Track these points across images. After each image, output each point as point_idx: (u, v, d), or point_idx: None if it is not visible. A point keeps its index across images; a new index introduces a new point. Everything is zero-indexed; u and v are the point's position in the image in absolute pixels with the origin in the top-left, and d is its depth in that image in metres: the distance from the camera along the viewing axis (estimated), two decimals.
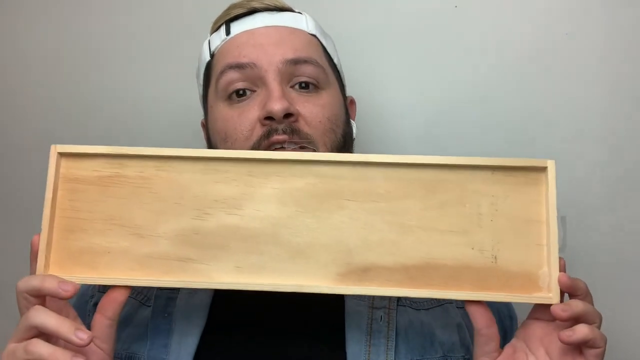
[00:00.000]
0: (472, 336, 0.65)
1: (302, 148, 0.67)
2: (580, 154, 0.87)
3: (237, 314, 0.67)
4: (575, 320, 0.54)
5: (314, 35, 0.74)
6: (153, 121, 0.98)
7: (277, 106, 0.65)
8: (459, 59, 0.90)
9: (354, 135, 0.76)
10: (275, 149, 0.66)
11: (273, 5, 0.74)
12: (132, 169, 0.60)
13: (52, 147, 0.60)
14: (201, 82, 0.77)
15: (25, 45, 1.01)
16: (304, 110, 0.68)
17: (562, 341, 0.53)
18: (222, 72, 0.70)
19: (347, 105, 0.77)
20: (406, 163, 0.59)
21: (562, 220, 0.58)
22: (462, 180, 0.59)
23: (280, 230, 0.59)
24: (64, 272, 0.59)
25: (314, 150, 0.67)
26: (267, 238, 0.59)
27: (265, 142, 0.66)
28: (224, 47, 0.73)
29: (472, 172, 0.59)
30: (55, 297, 0.55)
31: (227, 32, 0.73)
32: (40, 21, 1.01)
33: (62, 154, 0.60)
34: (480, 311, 0.57)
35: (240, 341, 0.65)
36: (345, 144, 0.71)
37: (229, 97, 0.70)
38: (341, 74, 0.78)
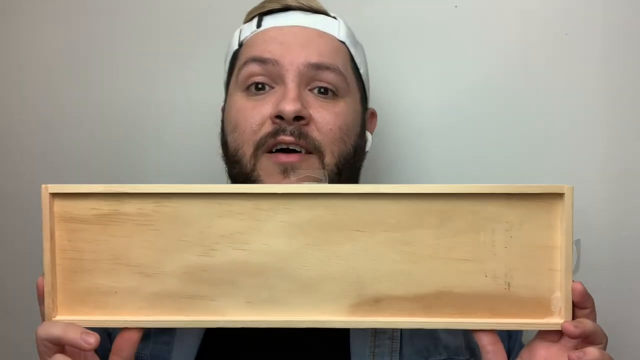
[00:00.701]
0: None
1: (308, 153, 0.66)
2: (579, 154, 0.86)
3: None
4: (585, 338, 0.55)
5: (343, 42, 0.72)
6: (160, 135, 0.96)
7: (289, 107, 0.65)
8: (457, 59, 0.89)
9: (368, 148, 0.74)
10: (281, 149, 0.66)
11: (307, 5, 0.72)
12: (131, 206, 0.58)
13: (43, 187, 0.57)
14: (227, 68, 0.76)
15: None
16: (316, 116, 0.67)
17: None
18: (245, 64, 0.70)
19: (366, 117, 0.75)
20: (417, 193, 0.57)
21: (576, 244, 0.57)
22: (476, 208, 0.57)
23: (289, 263, 0.58)
24: (72, 313, 0.58)
25: (321, 158, 0.67)
26: (277, 272, 0.58)
27: (271, 140, 0.66)
28: (252, 38, 0.72)
29: (486, 199, 0.57)
30: (77, 348, 0.55)
31: (258, 25, 0.72)
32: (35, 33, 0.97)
33: (54, 195, 0.57)
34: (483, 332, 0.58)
35: (243, 341, 0.66)
36: (355, 155, 0.70)
37: (247, 89, 0.70)
38: (366, 85, 0.76)
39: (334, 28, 0.72)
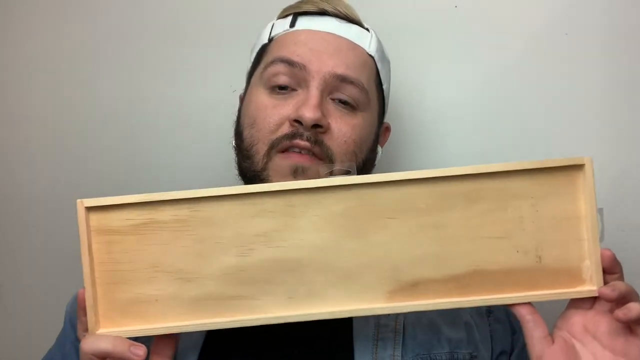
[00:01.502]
0: (492, 336, 0.70)
1: (320, 159, 0.67)
2: (579, 154, 0.86)
3: None
4: (621, 300, 0.56)
5: (372, 57, 0.73)
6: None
7: (309, 114, 0.66)
8: (455, 59, 0.90)
9: (376, 161, 0.76)
10: (293, 152, 0.67)
11: (343, 13, 0.73)
12: (166, 214, 0.59)
13: (79, 202, 0.58)
14: (252, 59, 0.77)
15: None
16: (334, 126, 0.68)
17: (618, 319, 0.55)
18: (273, 62, 0.70)
19: (380, 131, 0.76)
20: (443, 176, 0.59)
21: (599, 212, 0.59)
22: (501, 186, 0.59)
23: (325, 256, 0.59)
24: (115, 325, 0.59)
25: (331, 163, 0.68)
26: (314, 266, 0.59)
27: (286, 142, 0.67)
28: (283, 37, 0.73)
29: (510, 177, 0.59)
30: None
31: (292, 25, 0.73)
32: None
33: (89, 208, 0.58)
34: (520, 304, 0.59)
35: (247, 337, 0.66)
36: (363, 168, 0.71)
37: (270, 87, 0.70)
38: (386, 100, 0.77)
39: (366, 41, 0.73)
